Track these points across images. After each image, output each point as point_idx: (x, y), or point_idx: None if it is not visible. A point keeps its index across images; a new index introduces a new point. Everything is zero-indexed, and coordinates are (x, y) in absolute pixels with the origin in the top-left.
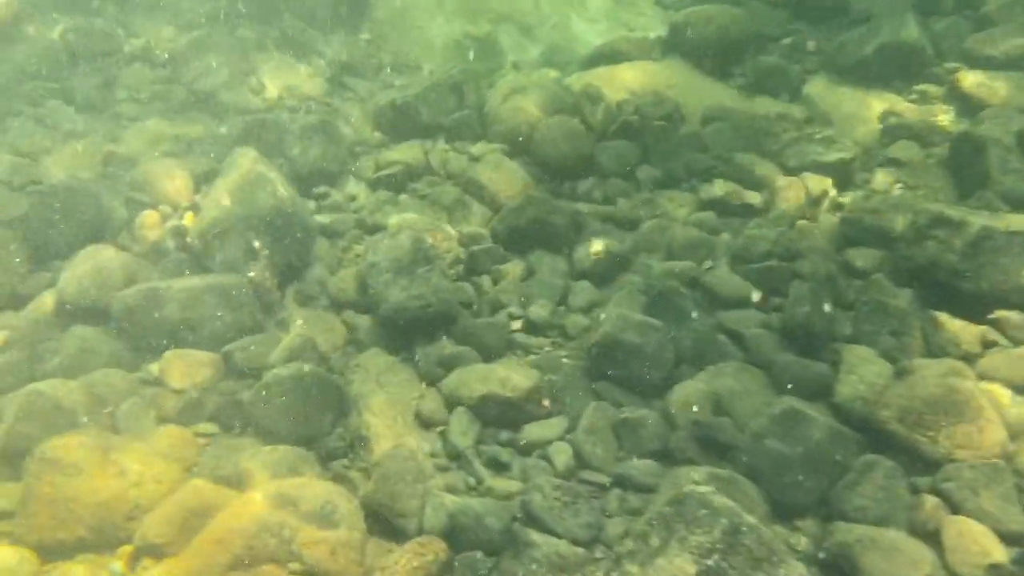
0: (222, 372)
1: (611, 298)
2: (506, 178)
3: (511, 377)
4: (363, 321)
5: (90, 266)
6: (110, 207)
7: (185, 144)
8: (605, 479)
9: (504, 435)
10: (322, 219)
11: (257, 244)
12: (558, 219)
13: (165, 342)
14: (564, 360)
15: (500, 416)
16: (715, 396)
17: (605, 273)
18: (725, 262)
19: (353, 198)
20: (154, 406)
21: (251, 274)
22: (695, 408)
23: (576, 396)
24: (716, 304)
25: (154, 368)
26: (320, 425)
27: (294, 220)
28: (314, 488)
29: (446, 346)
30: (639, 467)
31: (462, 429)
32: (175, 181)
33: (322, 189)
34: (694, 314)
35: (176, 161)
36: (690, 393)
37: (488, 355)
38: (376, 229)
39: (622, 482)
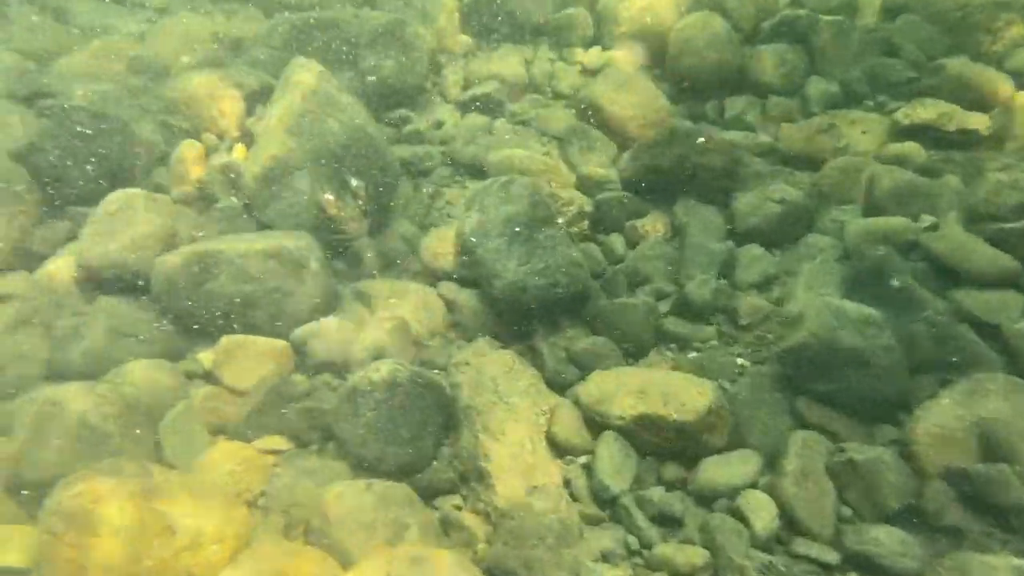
0: (291, 364)
1: (792, 268)
2: (634, 99)
3: (676, 390)
4: (467, 299)
5: (119, 219)
6: (140, 135)
7: (228, 47)
8: (832, 556)
9: (671, 471)
10: (401, 152)
11: (327, 195)
12: (712, 159)
13: (219, 323)
14: (740, 362)
15: (664, 446)
16: (979, 426)
17: (779, 232)
18: (954, 218)
19: (439, 124)
20: (206, 412)
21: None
22: (951, 446)
23: (766, 418)
24: (947, 279)
25: (205, 358)
26: (422, 447)
27: (372, 156)
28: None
29: (577, 336)
30: (883, 540)
31: (614, 464)
32: (221, 101)
33: (400, 113)
34: (921, 297)
35: (220, 73)
36: (941, 421)
37: (631, 348)
38: (471, 168)
39: (859, 563)
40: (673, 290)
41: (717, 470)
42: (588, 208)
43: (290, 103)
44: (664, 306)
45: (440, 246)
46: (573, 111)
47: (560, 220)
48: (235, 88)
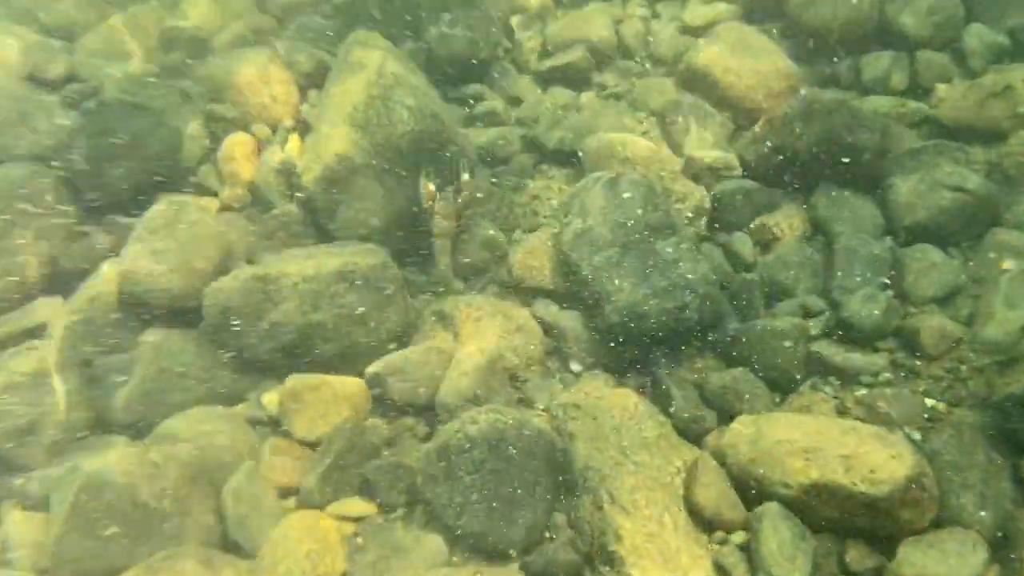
0: (368, 406)
1: (982, 276)
2: (753, 64)
3: (857, 449)
4: (569, 322)
5: (165, 235)
6: (182, 128)
7: (274, 16)
8: None
9: (859, 557)
10: (476, 137)
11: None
12: (863, 137)
13: (284, 359)
14: (929, 403)
15: (846, 523)
16: None
17: (955, 227)
18: None
19: (517, 101)
20: (274, 471)
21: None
22: None
23: (981, 485)
24: None
25: (270, 401)
26: (533, 518)
27: (448, 147)
28: None
29: (708, 367)
30: None
31: (783, 548)
32: (272, 85)
33: (472, 88)
34: None
35: (268, 52)
36: None
37: (776, 382)
38: (559, 155)
39: None
40: (824, 307)
41: (927, 559)
42: (707, 204)
43: (352, 89)
44: (815, 327)
45: (532, 257)
46: (676, 81)
47: (684, 227)
48: (287, 69)
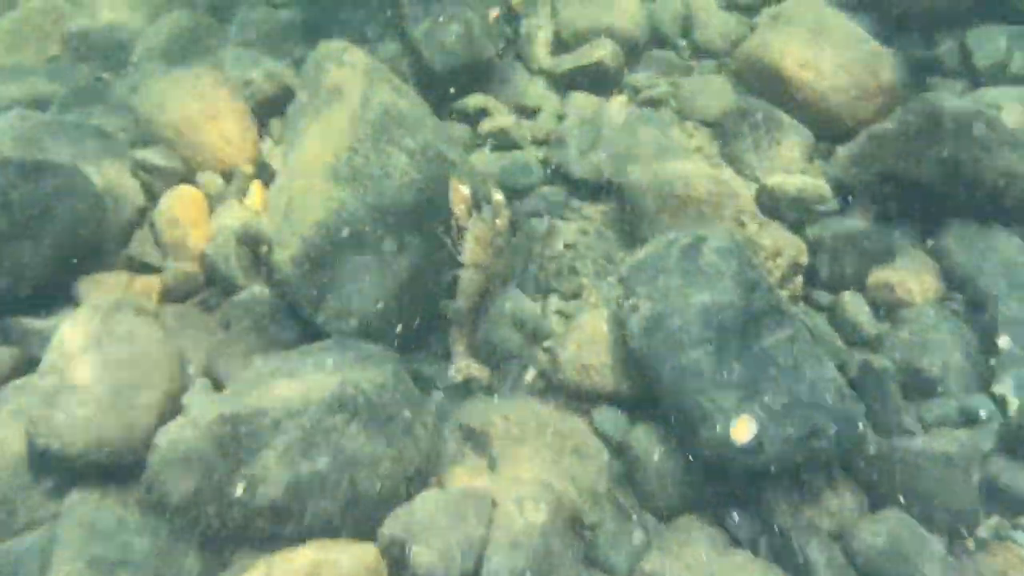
0: None
1: None
2: (836, 55)
3: None
4: (646, 443)
5: (87, 359)
6: (104, 181)
7: (208, 9)
8: None
9: None
10: (483, 163)
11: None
12: (1010, 162)
13: (264, 524)
14: None
15: None
16: None
17: None
18: None
19: (530, 112)
20: None
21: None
22: None
23: None
24: None
25: None
26: None
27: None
28: None
29: (847, 507)
30: None
31: None
32: (220, 119)
33: (475, 101)
34: None
35: (211, 74)
36: None
37: (944, 524)
38: (592, 187)
39: None
40: (990, 408)
41: None
42: (804, 258)
43: (331, 130)
44: (986, 440)
45: (587, 351)
46: (731, 78)
47: (791, 308)
48: (239, 96)
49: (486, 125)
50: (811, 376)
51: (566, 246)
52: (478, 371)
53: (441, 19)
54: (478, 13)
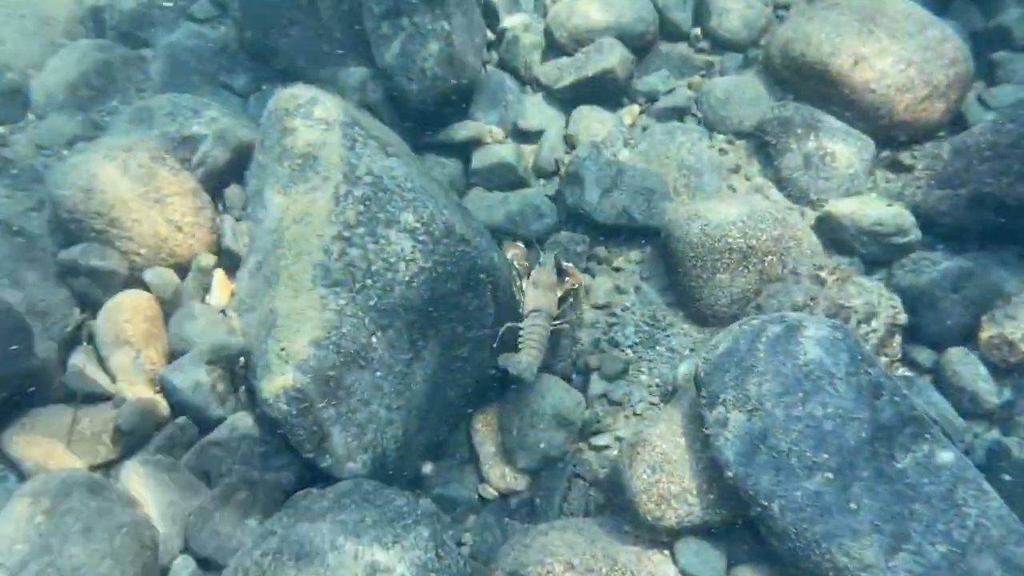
0: None
1: None
2: (899, 47)
3: None
4: None
5: (29, 561)
6: (27, 300)
7: (119, 34)
8: None
9: None
10: (488, 211)
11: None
12: None
13: None
14: None
15: None
16: None
17: None
18: None
19: (529, 136)
20: None
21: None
22: None
23: None
24: None
25: None
26: None
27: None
28: None
29: None
30: None
31: None
32: (165, 202)
33: (465, 131)
34: None
35: (146, 142)
36: None
37: None
38: (626, 231)
39: None
40: None
41: None
42: (902, 316)
43: (311, 215)
44: None
45: (661, 476)
46: (763, 76)
47: (927, 417)
48: (184, 169)
49: (481, 158)
50: (974, 510)
51: (598, 308)
52: (515, 481)
53: (415, 37)
54: (457, 23)
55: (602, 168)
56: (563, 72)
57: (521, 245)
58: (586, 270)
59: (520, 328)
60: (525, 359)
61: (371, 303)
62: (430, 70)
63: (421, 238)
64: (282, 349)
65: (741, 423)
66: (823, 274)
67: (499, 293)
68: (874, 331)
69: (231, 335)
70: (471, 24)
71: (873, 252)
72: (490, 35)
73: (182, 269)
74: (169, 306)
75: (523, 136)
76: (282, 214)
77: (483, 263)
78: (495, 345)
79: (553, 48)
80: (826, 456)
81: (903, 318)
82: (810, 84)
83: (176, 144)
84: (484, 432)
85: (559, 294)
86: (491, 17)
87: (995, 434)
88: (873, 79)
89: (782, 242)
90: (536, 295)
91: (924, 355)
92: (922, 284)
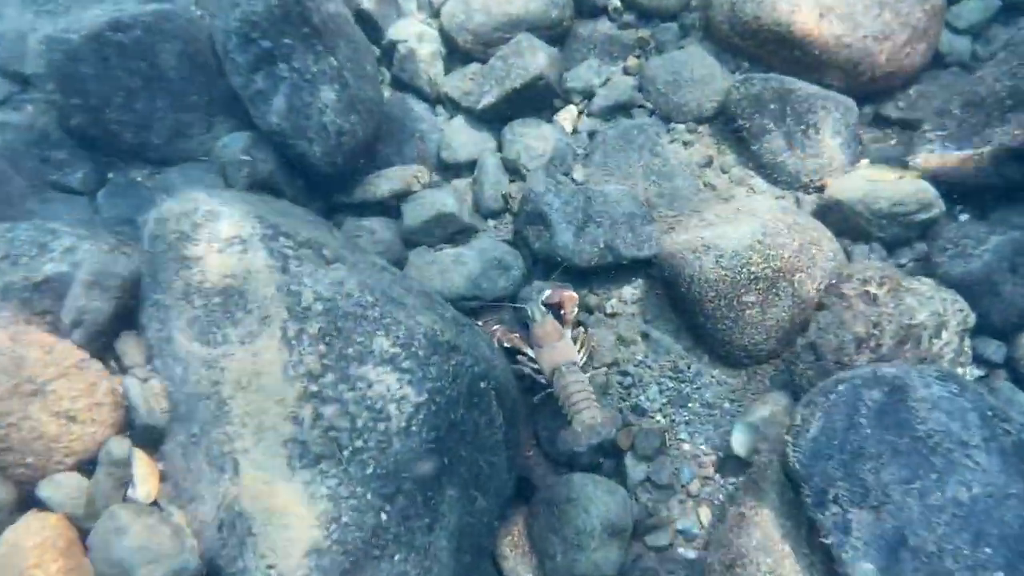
0: None
1: None
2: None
3: None
4: None
5: None
6: None
7: None
8: None
9: None
10: (441, 276)
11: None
12: None
13: None
14: None
15: None
16: None
17: None
18: None
19: (461, 169)
20: None
21: None
22: None
23: None
24: None
25: None
26: None
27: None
28: None
29: None
30: None
31: None
32: (47, 388)
33: (386, 184)
34: None
35: (7, 304)
36: None
37: None
38: (607, 270)
39: None
40: None
41: None
42: (971, 318)
43: (262, 378)
44: None
45: None
46: (710, 46)
47: None
48: (53, 333)
49: (416, 212)
50: None
51: (606, 368)
52: None
53: (301, 86)
54: (344, 54)
55: (567, 201)
56: (482, 86)
57: (499, 322)
58: (579, 324)
59: (553, 394)
60: (591, 418)
61: (368, 471)
62: (332, 124)
63: (405, 365)
64: (270, 567)
65: (868, 524)
66: (872, 289)
67: (503, 396)
68: (948, 344)
69: (182, 546)
70: (357, 49)
71: (895, 234)
72: (375, 51)
73: (89, 465)
74: (84, 520)
75: (451, 170)
76: (212, 373)
77: (481, 369)
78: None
79: (456, 54)
80: (989, 550)
81: (972, 319)
82: (770, 49)
83: (30, 297)
84: (515, 558)
85: (570, 336)
86: (371, 30)
87: None
88: (845, 32)
89: (805, 252)
90: (550, 353)
91: (992, 348)
92: (976, 271)
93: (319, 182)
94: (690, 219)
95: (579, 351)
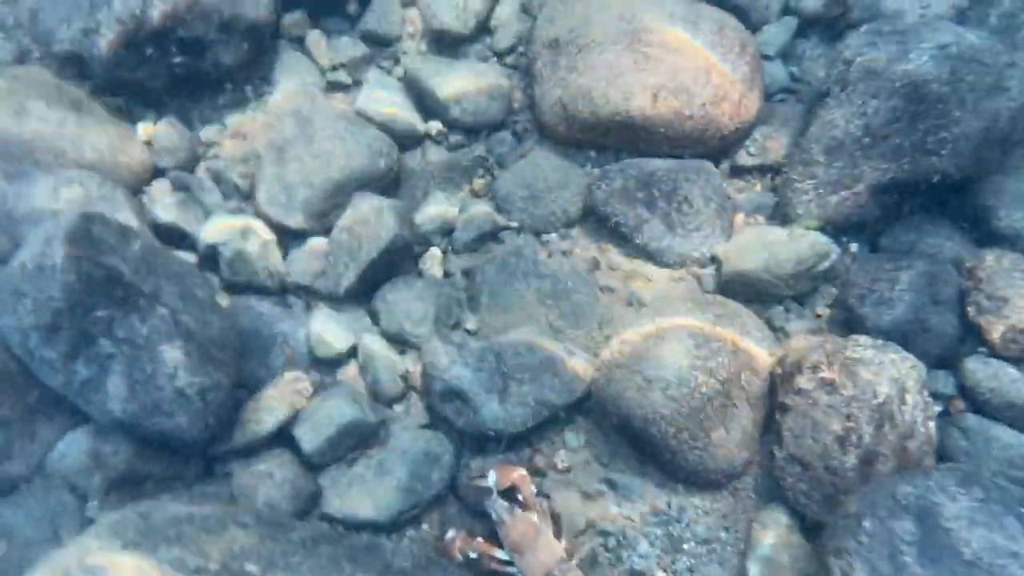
0: None
1: None
2: (692, 52)
3: None
4: None
5: None
6: None
7: None
8: None
9: None
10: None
11: None
12: None
13: None
14: None
15: None
16: None
17: None
18: None
19: (343, 360)
20: None
21: None
22: None
23: None
24: None
25: None
26: None
27: None
28: None
29: None
30: None
31: None
32: None
33: (269, 417)
34: None
35: None
36: None
37: None
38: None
39: None
40: None
41: None
42: (920, 368)
43: None
44: None
45: None
46: (547, 142)
47: None
48: None
49: (314, 433)
50: None
51: (585, 532)
52: None
53: (136, 357)
54: (172, 290)
55: (478, 368)
56: (335, 265)
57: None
58: (543, 493)
59: None
60: None
61: None
62: (191, 385)
63: None
64: None
65: None
66: (826, 375)
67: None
68: (915, 406)
69: None
70: (182, 278)
71: (801, 288)
72: (191, 258)
73: None
74: None
75: (331, 365)
76: None
77: None
78: None
79: (288, 235)
80: None
81: (923, 370)
82: (615, 136)
83: None
84: None
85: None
86: (180, 242)
87: None
88: (682, 105)
89: (739, 347)
90: (534, 559)
91: (941, 382)
92: (903, 315)
93: (187, 443)
94: (611, 345)
95: (558, 534)
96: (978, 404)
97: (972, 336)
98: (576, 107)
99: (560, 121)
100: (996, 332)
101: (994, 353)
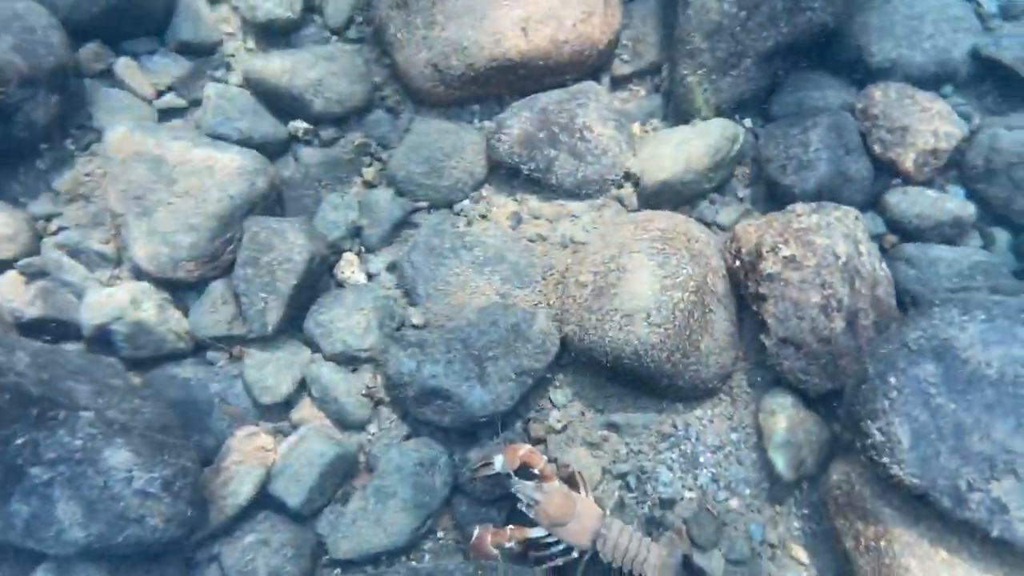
0: None
1: None
2: None
3: None
4: None
5: None
6: None
7: None
8: None
9: None
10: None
11: None
12: None
13: None
14: None
15: None
16: None
17: None
18: None
19: (338, 391)
20: None
21: None
22: None
23: None
24: None
25: None
26: None
27: None
28: None
29: None
30: None
31: None
32: None
33: (245, 486)
34: None
35: None
36: None
37: None
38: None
39: None
40: None
41: None
42: (861, 218)
43: None
44: None
45: None
46: (441, 87)
47: None
48: None
49: (299, 488)
50: None
51: (604, 479)
52: None
53: (81, 472)
54: (96, 393)
55: (448, 360)
56: (254, 304)
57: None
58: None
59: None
60: (659, 556)
61: None
62: (154, 481)
63: None
64: None
65: (1018, 489)
66: (786, 252)
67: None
68: (870, 254)
69: None
70: (90, 370)
71: (721, 177)
72: (77, 348)
73: None
74: None
75: (283, 408)
76: None
77: None
78: None
79: (181, 288)
80: None
81: (863, 218)
82: (494, 82)
83: None
84: None
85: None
86: (63, 332)
87: None
88: (554, 30)
89: (695, 253)
90: (579, 525)
91: (870, 224)
92: (825, 173)
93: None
94: (568, 292)
95: (586, 493)
96: (909, 233)
97: (883, 173)
98: (448, 64)
99: (434, 83)
100: (909, 160)
101: (908, 181)
